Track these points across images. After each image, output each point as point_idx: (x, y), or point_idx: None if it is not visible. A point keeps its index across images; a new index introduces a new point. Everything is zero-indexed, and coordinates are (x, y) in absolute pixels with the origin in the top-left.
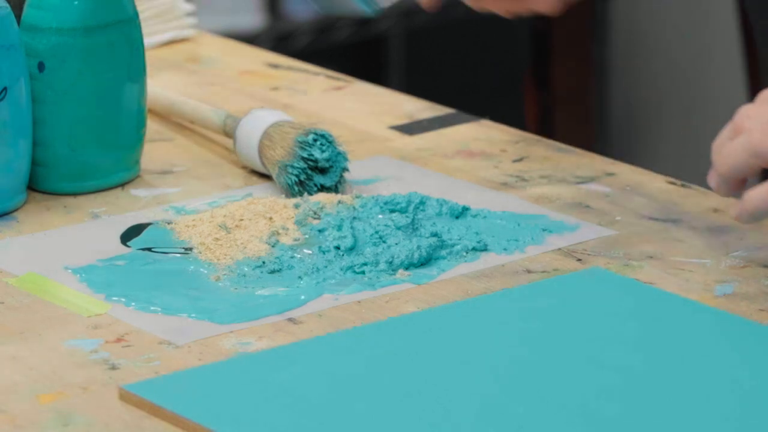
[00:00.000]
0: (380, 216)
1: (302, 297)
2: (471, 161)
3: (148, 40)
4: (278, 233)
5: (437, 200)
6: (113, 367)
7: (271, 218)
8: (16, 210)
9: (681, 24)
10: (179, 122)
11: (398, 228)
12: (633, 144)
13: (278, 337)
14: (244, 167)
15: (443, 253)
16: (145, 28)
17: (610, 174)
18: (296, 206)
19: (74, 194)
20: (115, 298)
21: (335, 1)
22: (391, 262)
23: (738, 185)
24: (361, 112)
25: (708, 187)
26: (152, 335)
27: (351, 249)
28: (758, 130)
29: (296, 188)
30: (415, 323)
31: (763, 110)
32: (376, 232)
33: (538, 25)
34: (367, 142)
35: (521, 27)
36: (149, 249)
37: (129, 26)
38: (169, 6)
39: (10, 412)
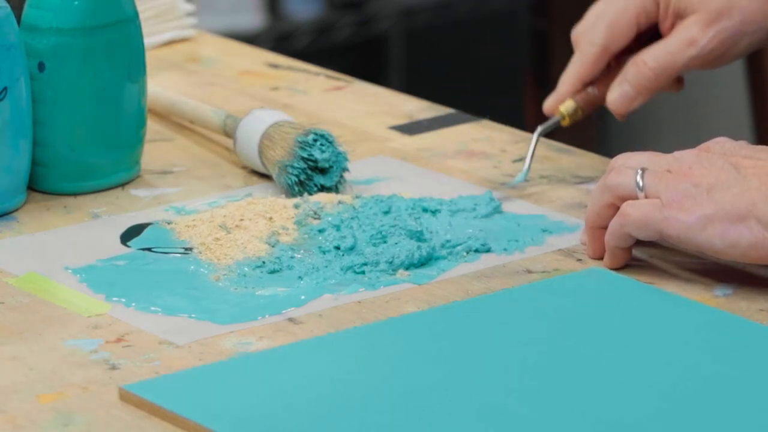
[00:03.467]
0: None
1: (302, 297)
2: (471, 161)
3: (148, 40)
4: (278, 233)
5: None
6: (113, 367)
7: (271, 218)
8: (16, 210)
9: None
10: (179, 122)
11: (407, 229)
12: (633, 144)
13: (278, 337)
14: (244, 167)
15: (443, 253)
16: (145, 28)
17: None
18: (296, 206)
19: (74, 194)
20: (115, 298)
21: None
22: (391, 262)
23: (601, 238)
24: (361, 112)
25: None
26: (152, 335)
27: (351, 249)
28: (613, 171)
29: (296, 188)
30: (415, 323)
31: (626, 157)
32: (379, 232)
33: (538, 25)
34: (367, 142)
35: (521, 27)
36: (149, 249)
37: (129, 26)
38: (169, 6)
39: (10, 412)
